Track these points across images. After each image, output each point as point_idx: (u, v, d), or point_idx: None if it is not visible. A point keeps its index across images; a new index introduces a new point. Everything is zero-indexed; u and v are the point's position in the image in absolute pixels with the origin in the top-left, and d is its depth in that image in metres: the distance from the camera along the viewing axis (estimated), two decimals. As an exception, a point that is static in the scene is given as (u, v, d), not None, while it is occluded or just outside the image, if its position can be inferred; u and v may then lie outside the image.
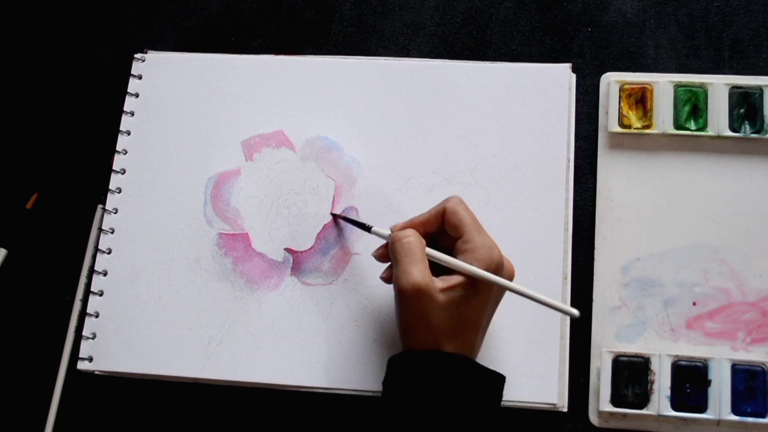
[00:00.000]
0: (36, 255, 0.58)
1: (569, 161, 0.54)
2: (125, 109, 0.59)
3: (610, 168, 0.55)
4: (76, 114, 0.61)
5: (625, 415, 0.50)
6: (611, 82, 0.56)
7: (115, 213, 0.57)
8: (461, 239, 0.46)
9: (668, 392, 0.50)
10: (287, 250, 0.55)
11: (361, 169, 0.56)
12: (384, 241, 0.48)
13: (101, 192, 0.58)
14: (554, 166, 0.54)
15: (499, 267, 0.45)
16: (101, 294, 0.55)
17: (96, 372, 0.54)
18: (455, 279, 0.44)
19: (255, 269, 0.55)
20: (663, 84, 0.55)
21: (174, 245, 0.56)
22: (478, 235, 0.45)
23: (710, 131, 0.54)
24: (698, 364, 0.50)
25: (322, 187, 0.56)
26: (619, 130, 0.55)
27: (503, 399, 0.46)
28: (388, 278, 0.48)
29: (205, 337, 0.53)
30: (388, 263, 0.48)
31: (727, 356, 0.50)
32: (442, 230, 0.47)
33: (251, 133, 0.57)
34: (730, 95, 0.54)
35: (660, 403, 0.50)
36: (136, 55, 0.60)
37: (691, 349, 0.51)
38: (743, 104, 0.54)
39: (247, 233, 0.55)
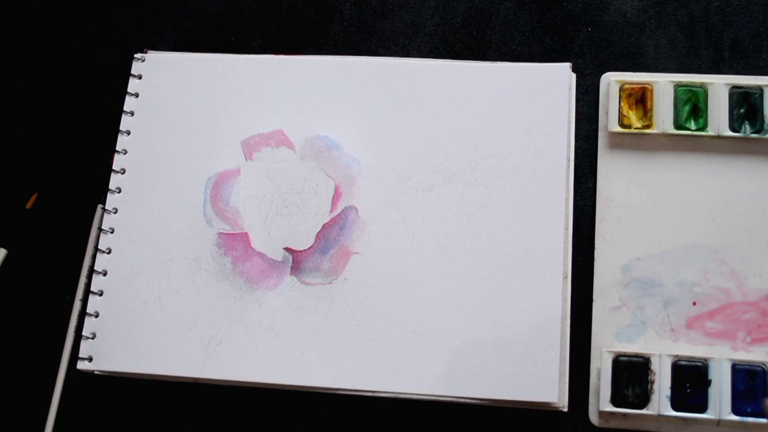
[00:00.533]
0: (36, 255, 0.58)
1: (569, 161, 0.54)
2: (125, 109, 0.59)
3: (610, 168, 0.55)
4: (76, 114, 0.61)
5: (625, 415, 0.50)
6: (611, 81, 0.56)
7: (115, 213, 0.57)
8: None
9: (668, 392, 0.50)
10: (287, 249, 0.55)
11: (360, 168, 0.56)
12: None
13: (101, 192, 0.58)
14: (554, 165, 0.54)
15: None
16: (101, 294, 0.55)
17: (96, 372, 0.54)
18: None
19: (254, 269, 0.55)
20: (663, 84, 0.55)
21: (174, 245, 0.55)
22: None
23: (710, 131, 0.54)
24: (698, 364, 0.50)
25: (321, 186, 0.56)
26: (619, 130, 0.55)
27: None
28: None
29: (204, 337, 0.53)
30: None
31: (727, 356, 0.50)
32: None
33: (251, 132, 0.57)
34: (730, 95, 0.54)
35: (660, 403, 0.50)
36: (136, 55, 0.60)
37: (691, 349, 0.51)
38: (743, 104, 0.54)
39: (246, 233, 0.55)
